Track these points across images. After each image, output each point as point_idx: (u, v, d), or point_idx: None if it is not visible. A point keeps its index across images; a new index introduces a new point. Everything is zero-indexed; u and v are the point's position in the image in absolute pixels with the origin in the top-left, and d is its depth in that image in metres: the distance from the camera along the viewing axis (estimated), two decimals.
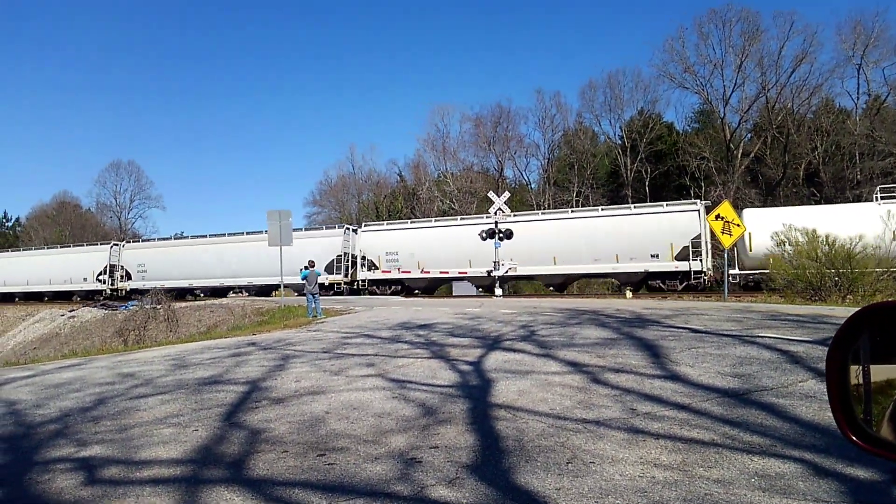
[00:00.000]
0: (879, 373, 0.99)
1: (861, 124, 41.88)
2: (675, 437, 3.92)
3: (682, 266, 24.86)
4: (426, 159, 57.64)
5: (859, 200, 37.92)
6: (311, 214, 68.97)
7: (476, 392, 5.36)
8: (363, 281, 32.87)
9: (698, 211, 25.28)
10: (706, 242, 24.36)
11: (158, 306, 22.22)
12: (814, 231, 16.32)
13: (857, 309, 1.00)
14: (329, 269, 32.02)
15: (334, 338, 9.42)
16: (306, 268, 16.21)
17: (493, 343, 7.85)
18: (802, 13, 71.40)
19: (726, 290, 18.53)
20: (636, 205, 29.29)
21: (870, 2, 74.73)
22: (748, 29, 45.05)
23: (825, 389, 3.69)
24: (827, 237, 15.65)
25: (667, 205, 27.41)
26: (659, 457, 3.57)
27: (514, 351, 7.13)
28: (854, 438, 0.98)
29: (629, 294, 24.50)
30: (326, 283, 30.87)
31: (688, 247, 24.73)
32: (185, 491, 3.34)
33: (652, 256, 25.46)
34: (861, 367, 1.01)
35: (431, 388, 5.52)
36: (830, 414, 3.39)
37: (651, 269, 25.62)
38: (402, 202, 53.27)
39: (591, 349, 6.95)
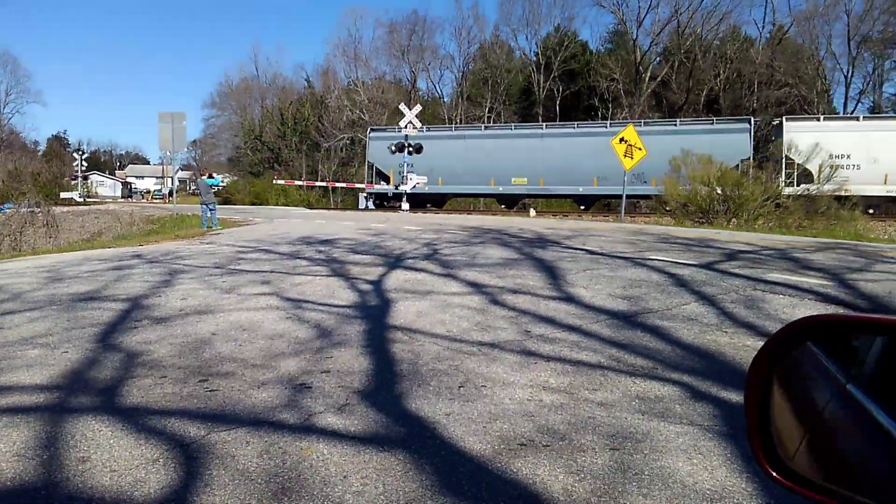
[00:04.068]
0: (802, 397, 0.86)
1: (763, 53, 43.54)
2: (565, 359, 4.00)
3: None
4: (336, 66, 55.29)
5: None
6: (210, 118, 65.23)
7: (374, 313, 5.28)
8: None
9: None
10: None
11: (37, 210, 20.54)
12: (709, 157, 17.05)
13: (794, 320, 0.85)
14: None
15: (229, 252, 9.01)
16: (202, 176, 15.32)
17: (395, 261, 7.76)
18: None
19: (623, 212, 19.26)
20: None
21: None
22: None
23: (705, 313, 3.83)
24: (721, 164, 16.42)
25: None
26: (548, 380, 3.64)
27: (416, 270, 7.07)
28: (770, 470, 0.84)
29: (533, 213, 25.03)
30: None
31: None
32: (46, 421, 3.08)
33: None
34: (787, 387, 0.86)
35: (328, 309, 5.38)
36: (709, 337, 3.53)
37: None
38: (310, 110, 51.07)
39: (492, 269, 7.00)
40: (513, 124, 34.30)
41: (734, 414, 3.15)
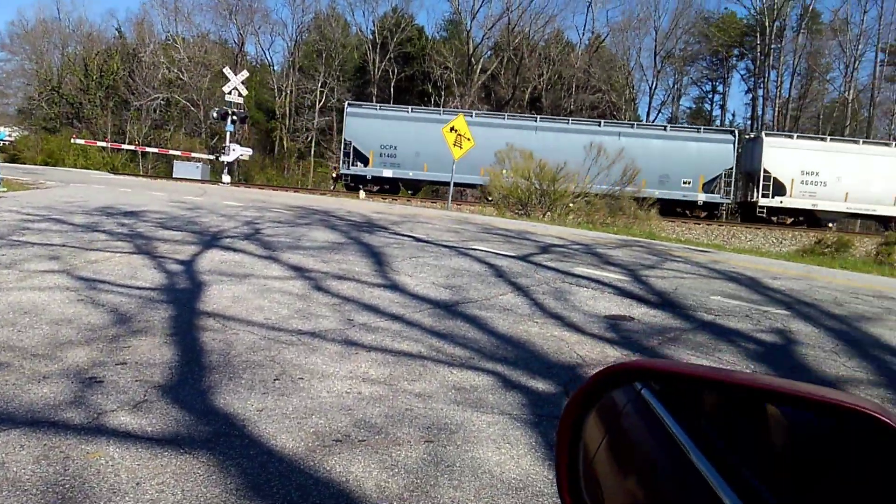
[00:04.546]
0: (616, 440, 0.84)
1: (581, 59, 47.05)
2: (387, 349, 4.00)
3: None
4: (153, 17, 50.45)
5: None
6: None
7: (183, 297, 4.88)
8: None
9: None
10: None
11: None
12: (530, 153, 18.08)
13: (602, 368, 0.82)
14: None
15: (11, 219, 7.85)
16: None
17: (211, 239, 7.26)
18: None
19: (450, 198, 19.83)
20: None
21: None
22: None
23: (520, 303, 4.02)
24: (540, 161, 17.49)
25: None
26: (368, 371, 3.61)
27: (235, 250, 6.67)
28: None
29: (363, 195, 24.92)
30: None
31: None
32: None
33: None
34: (601, 429, 0.84)
35: (129, 291, 4.88)
36: (522, 328, 3.71)
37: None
38: (119, 63, 46.10)
39: (317, 253, 6.82)
40: (506, 115, 31.93)
41: (540, 402, 3.35)
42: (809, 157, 25.07)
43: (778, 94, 47.21)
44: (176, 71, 45.12)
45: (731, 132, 27.45)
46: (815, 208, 24.23)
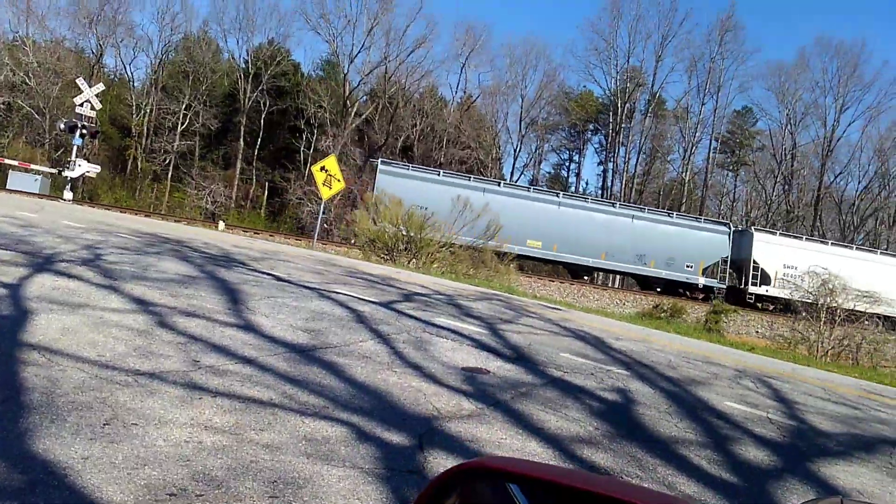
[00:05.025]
0: None
1: (454, 115, 48.86)
2: (235, 395, 3.77)
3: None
4: (1, 15, 45.87)
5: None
6: None
7: (5, 325, 4.32)
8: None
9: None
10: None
11: None
12: (399, 200, 18.30)
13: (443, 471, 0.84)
14: None
15: None
16: None
17: (44, 262, 6.54)
18: (430, 2, 79.43)
19: (315, 237, 19.49)
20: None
21: (482, 13, 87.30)
22: None
23: (380, 351, 3.98)
24: (409, 209, 17.75)
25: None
26: (212, 418, 3.37)
27: (70, 276, 6.05)
28: None
29: (222, 225, 23.86)
30: None
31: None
32: None
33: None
34: None
35: None
36: (380, 377, 3.65)
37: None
38: None
39: (165, 286, 6.35)
40: (530, 186, 33.66)
41: (393, 455, 3.29)
42: (789, 252, 28.23)
43: (626, 168, 51.82)
44: (22, 74, 41.08)
45: (727, 224, 30.45)
46: (792, 297, 26.58)
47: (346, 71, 48.18)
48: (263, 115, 47.78)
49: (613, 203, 32.96)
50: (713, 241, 28.23)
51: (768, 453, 4.42)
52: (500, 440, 3.76)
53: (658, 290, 27.70)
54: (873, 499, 3.86)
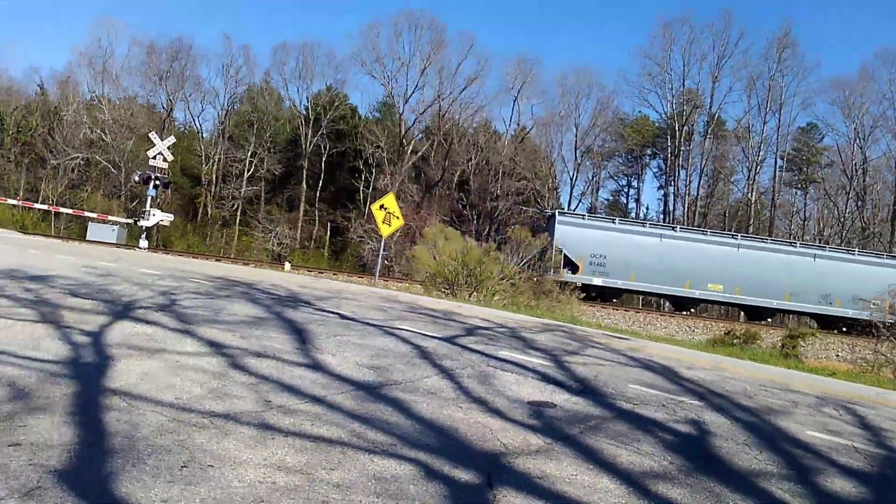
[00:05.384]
0: None
1: (508, 148, 49.15)
2: (305, 434, 3.83)
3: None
4: (79, 77, 49.38)
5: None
6: None
7: (88, 371, 4.56)
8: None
9: None
10: None
11: None
12: (458, 233, 18.43)
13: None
14: None
15: None
16: None
17: (123, 310, 6.88)
18: (480, 40, 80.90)
19: (377, 274, 19.78)
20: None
21: (532, 45, 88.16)
22: (434, 38, 49.17)
23: (444, 387, 3.98)
24: (467, 243, 17.84)
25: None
26: (285, 458, 3.44)
27: (148, 322, 6.34)
28: None
29: (288, 266, 24.54)
30: None
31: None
32: None
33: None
34: None
35: (30, 363, 4.52)
36: (446, 412, 3.66)
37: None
38: (39, 119, 44.57)
39: (236, 328, 6.57)
40: (707, 230, 34.90)
41: (462, 493, 3.27)
42: None
43: (687, 192, 50.66)
44: (99, 132, 43.94)
45: None
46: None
47: (401, 111, 49.39)
48: (324, 158, 49.35)
49: (793, 242, 33.22)
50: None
51: (855, 484, 4.15)
52: (571, 476, 3.67)
53: (844, 329, 27.40)
54: None
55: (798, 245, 31.17)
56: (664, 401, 5.75)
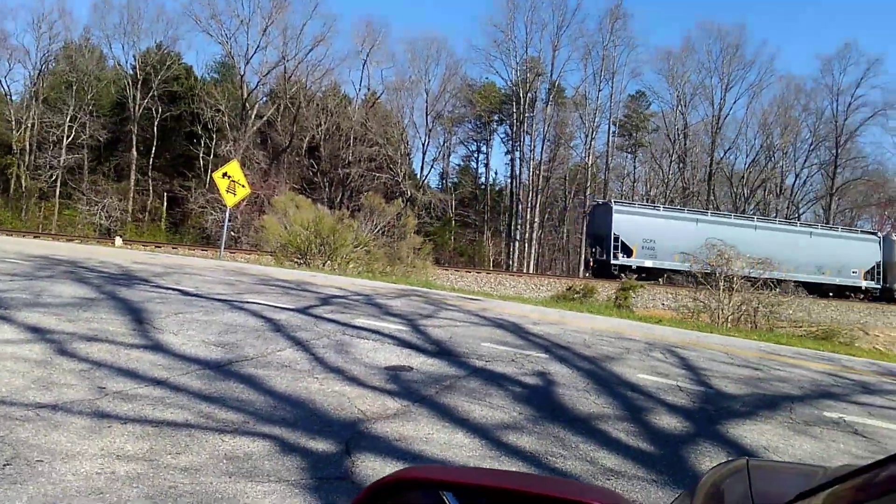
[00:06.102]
0: None
1: (359, 113, 48.38)
2: (147, 419, 3.59)
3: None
4: None
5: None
6: None
7: None
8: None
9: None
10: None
11: None
12: (310, 202, 17.97)
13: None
14: None
15: None
16: None
17: None
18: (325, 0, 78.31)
19: (223, 246, 18.82)
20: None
21: (379, 9, 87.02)
22: None
23: (299, 359, 3.90)
24: (320, 211, 17.46)
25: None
26: (124, 446, 3.20)
27: None
28: None
29: (119, 241, 22.63)
30: None
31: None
32: None
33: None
34: None
35: None
36: (302, 385, 3.59)
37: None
38: None
39: (62, 310, 5.96)
40: (731, 213, 38.94)
41: (320, 464, 3.24)
42: None
43: (532, 156, 53.05)
44: None
45: (875, 233, 36.81)
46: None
47: (242, 72, 46.64)
48: (156, 123, 45.60)
49: (793, 222, 39.05)
50: (867, 249, 34.17)
51: (680, 420, 4.67)
52: (427, 435, 3.78)
53: (830, 294, 31.91)
54: (777, 452, 4.16)
55: (798, 224, 37.38)
56: (513, 356, 6.07)
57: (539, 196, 51.41)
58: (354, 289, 10.28)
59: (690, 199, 52.05)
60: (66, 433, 3.27)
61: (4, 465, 2.83)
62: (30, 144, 42.90)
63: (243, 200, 25.74)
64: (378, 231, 21.53)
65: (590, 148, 54.30)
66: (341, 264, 16.94)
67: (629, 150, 59.88)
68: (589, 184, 52.81)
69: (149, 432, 3.40)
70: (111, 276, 8.66)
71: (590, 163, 53.73)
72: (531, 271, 42.09)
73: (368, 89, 51.63)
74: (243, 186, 17.16)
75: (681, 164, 54.48)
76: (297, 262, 16.94)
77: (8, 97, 46.11)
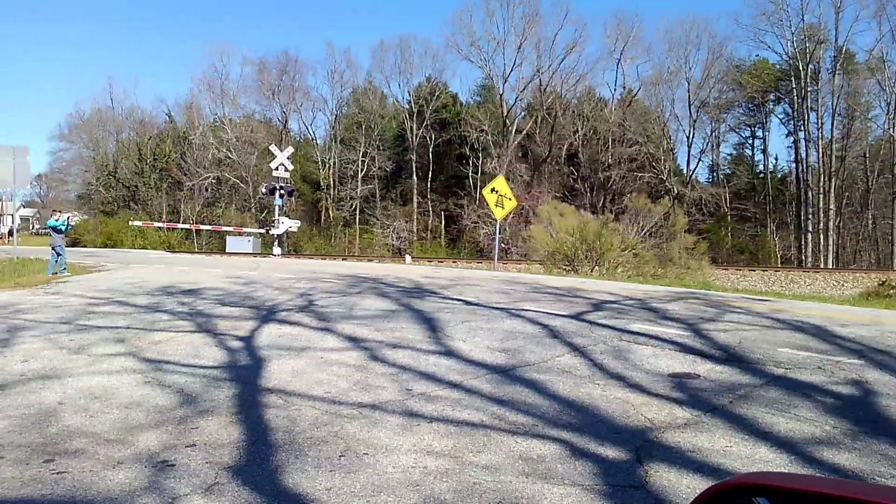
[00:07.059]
0: None
1: (615, 114, 47.39)
2: (448, 419, 3.95)
3: None
4: (201, 101, 53.10)
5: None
6: (58, 151, 60.27)
7: (245, 373, 4.96)
8: None
9: None
10: None
11: None
12: (572, 208, 18.09)
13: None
14: None
15: (78, 304, 8.18)
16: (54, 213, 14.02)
17: (267, 314, 7.40)
18: (576, 5, 78.46)
19: (496, 258, 19.86)
20: None
21: (629, 3, 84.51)
22: (528, 12, 48.16)
23: (578, 364, 3.93)
24: (583, 217, 17.48)
25: None
26: (432, 443, 3.56)
27: (291, 323, 6.79)
28: None
29: (409, 258, 25.19)
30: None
31: None
32: None
33: None
34: None
35: (193, 370, 4.99)
36: (583, 390, 3.62)
37: None
38: (171, 146, 48.60)
39: (370, 322, 6.87)
40: None
41: (612, 471, 3.23)
42: None
43: (820, 135, 46.33)
44: (225, 150, 47.18)
45: None
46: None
47: (501, 92, 48.99)
48: (431, 149, 50.06)
49: None
50: None
51: None
52: (725, 448, 3.53)
53: None
54: None
55: None
56: (819, 363, 5.37)
57: (833, 179, 44.61)
58: (626, 293, 10.06)
59: None
60: (384, 430, 3.76)
61: (340, 456, 3.35)
62: (333, 180, 50.35)
63: (511, 213, 26.88)
64: (645, 233, 20.76)
65: (894, 117, 45.60)
66: (609, 269, 16.70)
67: None
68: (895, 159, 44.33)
69: (451, 431, 3.74)
70: (406, 289, 9.73)
71: (895, 135, 45.12)
72: (830, 266, 36.62)
73: (624, 88, 50.25)
74: (510, 199, 17.96)
75: None
76: (565, 269, 17.15)
77: (314, 141, 54.77)
